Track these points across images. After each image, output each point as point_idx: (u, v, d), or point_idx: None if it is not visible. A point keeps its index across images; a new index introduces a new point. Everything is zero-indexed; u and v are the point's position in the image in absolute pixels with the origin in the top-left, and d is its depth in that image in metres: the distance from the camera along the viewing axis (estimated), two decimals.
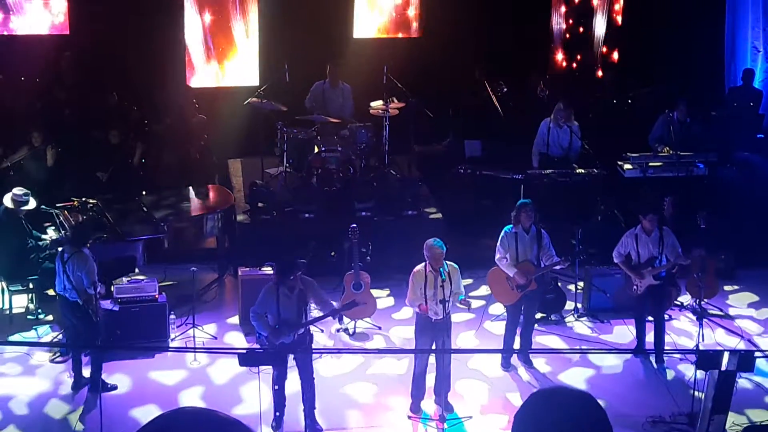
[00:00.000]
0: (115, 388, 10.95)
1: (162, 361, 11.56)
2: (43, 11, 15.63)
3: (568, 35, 18.00)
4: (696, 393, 10.19)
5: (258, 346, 10.23)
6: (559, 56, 18.08)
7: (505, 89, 16.42)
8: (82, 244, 10.71)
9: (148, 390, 11.01)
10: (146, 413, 10.48)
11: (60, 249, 11.10)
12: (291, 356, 10.12)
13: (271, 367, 9.92)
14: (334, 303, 10.47)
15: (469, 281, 12.88)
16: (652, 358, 11.62)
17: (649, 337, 11.70)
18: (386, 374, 11.41)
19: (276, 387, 10.07)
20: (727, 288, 13.55)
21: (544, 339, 12.28)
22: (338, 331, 12.27)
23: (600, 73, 17.70)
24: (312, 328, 10.54)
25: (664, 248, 11.42)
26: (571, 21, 17.95)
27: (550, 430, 3.49)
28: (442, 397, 10.51)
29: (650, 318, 11.70)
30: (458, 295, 10.41)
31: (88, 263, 10.54)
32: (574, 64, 17.97)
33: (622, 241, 11.65)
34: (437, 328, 10.30)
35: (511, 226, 11.40)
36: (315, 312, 10.50)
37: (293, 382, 10.20)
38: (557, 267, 11.63)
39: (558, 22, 18.01)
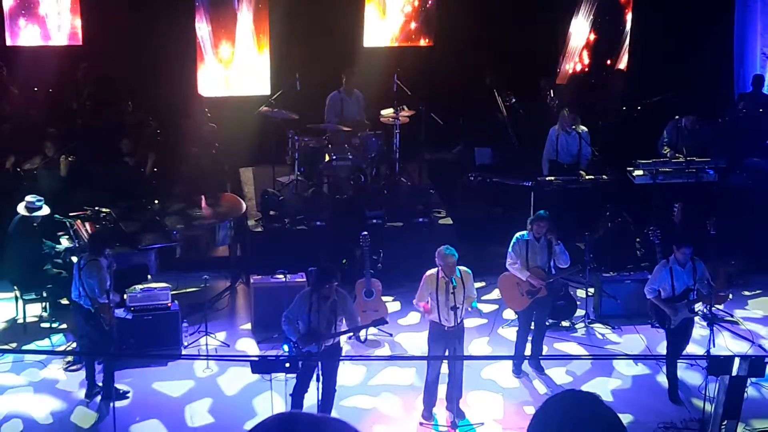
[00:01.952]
0: (127, 395, 11.03)
1: (173, 371, 11.60)
2: (55, 22, 15.74)
3: (578, 43, 18.03)
4: (706, 399, 10.21)
5: (284, 352, 10.20)
6: (569, 64, 18.10)
7: (514, 99, 16.47)
8: (99, 252, 10.78)
9: (156, 401, 11.03)
10: (152, 427, 10.59)
11: (78, 256, 11.16)
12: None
13: (283, 375, 9.95)
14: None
15: (482, 284, 12.93)
16: (664, 368, 11.56)
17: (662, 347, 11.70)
18: (396, 381, 11.45)
19: (291, 394, 10.06)
20: (746, 293, 13.58)
21: (561, 346, 12.33)
22: (350, 338, 12.32)
23: (609, 81, 17.71)
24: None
25: (697, 279, 11.03)
26: (580, 29, 17.96)
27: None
28: (454, 404, 10.55)
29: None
30: (472, 300, 10.46)
31: (101, 272, 10.59)
32: (584, 72, 17.99)
33: (657, 277, 11.08)
34: (450, 336, 10.34)
35: (525, 233, 11.45)
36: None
37: (309, 393, 10.23)
38: (568, 274, 11.67)
39: (568, 30, 18.03)
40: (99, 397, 10.91)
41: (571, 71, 18.06)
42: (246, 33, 16.04)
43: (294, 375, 9.95)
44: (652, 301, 11.15)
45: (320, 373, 9.80)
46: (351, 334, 12.19)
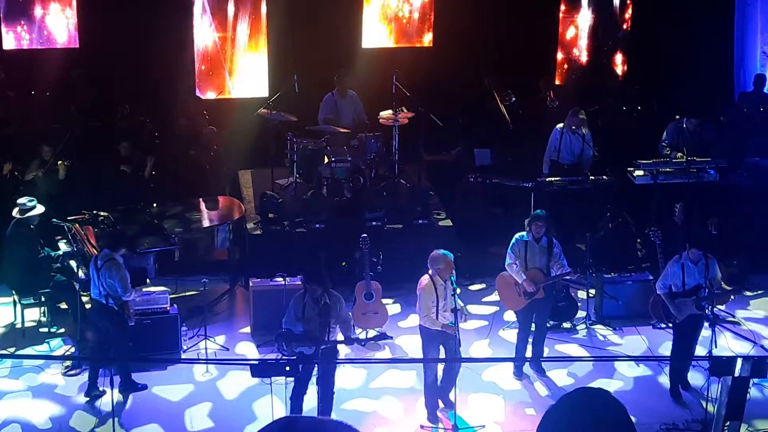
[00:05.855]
0: (145, 387, 11.13)
1: (173, 375, 11.54)
2: (52, 25, 15.70)
3: (576, 44, 17.99)
4: (709, 400, 10.16)
5: (279, 355, 10.16)
6: (568, 65, 18.07)
7: (513, 99, 16.42)
8: (116, 249, 10.85)
9: (155, 406, 10.98)
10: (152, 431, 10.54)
11: (94, 256, 11.14)
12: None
13: (283, 378, 9.89)
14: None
15: (482, 286, 12.89)
16: (666, 369, 11.49)
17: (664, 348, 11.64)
18: (396, 384, 11.40)
19: (290, 397, 10.02)
20: (747, 294, 13.51)
21: (562, 347, 12.26)
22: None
23: (608, 81, 17.67)
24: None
25: (709, 278, 10.90)
26: (579, 30, 17.94)
27: (575, 426, 3.55)
28: (445, 395, 10.51)
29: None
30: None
31: (121, 270, 10.73)
32: (583, 71, 17.95)
33: (669, 273, 10.99)
34: (444, 336, 10.29)
35: (525, 233, 11.39)
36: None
37: (309, 396, 10.18)
38: (567, 277, 11.61)
39: (567, 31, 18.01)
40: (99, 399, 10.87)
41: (570, 71, 18.02)
42: (245, 35, 16.00)
43: (292, 378, 9.90)
44: (658, 299, 11.07)
45: (318, 375, 9.80)
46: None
